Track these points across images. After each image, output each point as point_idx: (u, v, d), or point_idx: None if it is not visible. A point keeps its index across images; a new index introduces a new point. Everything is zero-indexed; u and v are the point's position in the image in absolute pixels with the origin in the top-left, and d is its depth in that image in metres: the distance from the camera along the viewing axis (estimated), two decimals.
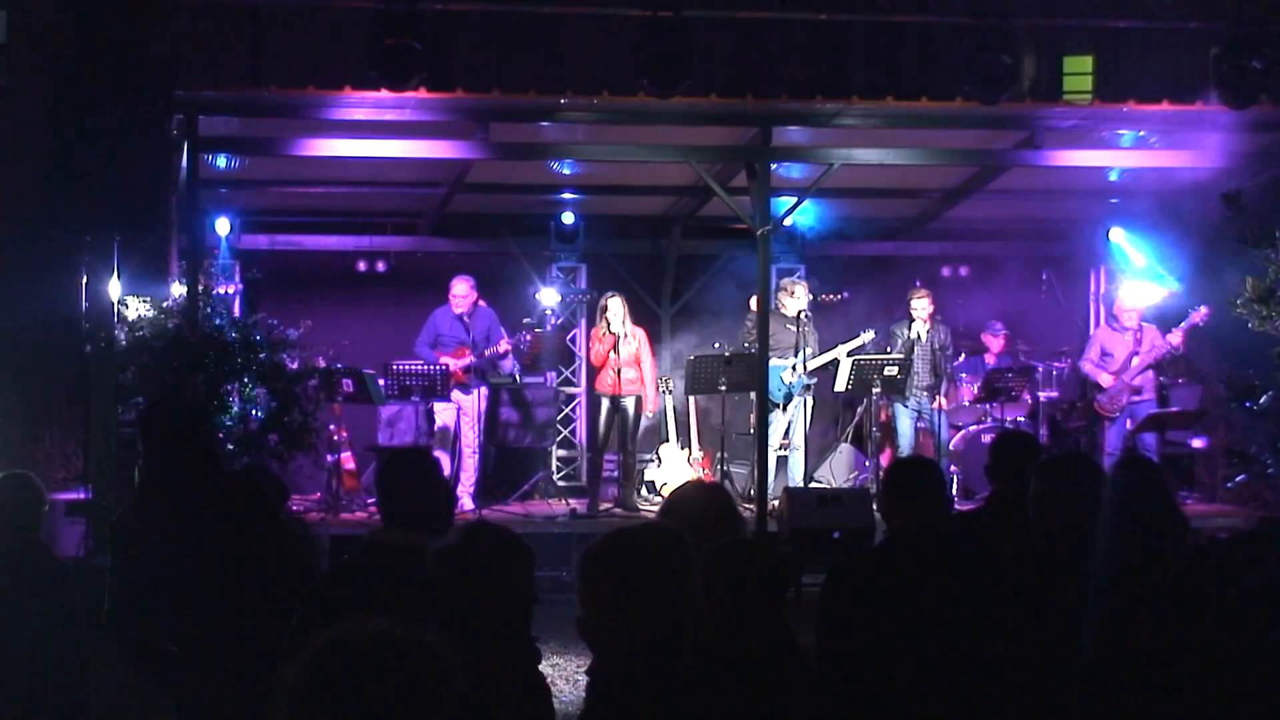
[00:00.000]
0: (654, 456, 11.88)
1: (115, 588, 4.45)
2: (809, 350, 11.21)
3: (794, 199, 10.88)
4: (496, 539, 3.33)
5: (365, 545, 3.98)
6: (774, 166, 10.56)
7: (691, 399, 11.53)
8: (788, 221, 11.45)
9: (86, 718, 5.38)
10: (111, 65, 8.00)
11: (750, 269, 11.11)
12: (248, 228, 12.38)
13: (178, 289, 9.34)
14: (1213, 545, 4.59)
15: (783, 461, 11.40)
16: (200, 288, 9.56)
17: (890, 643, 4.03)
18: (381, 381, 10.89)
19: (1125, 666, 3.81)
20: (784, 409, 11.20)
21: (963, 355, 12.42)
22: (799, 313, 11.19)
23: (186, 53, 9.83)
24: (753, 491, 10.58)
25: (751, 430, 10.91)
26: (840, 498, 10.09)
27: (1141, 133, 10.71)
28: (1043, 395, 11.81)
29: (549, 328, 12.77)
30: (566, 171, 11.85)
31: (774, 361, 10.73)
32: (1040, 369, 11.93)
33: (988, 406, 11.76)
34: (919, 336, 11.39)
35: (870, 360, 11.13)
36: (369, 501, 10.43)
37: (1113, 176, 11.71)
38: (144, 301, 8.89)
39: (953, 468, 11.22)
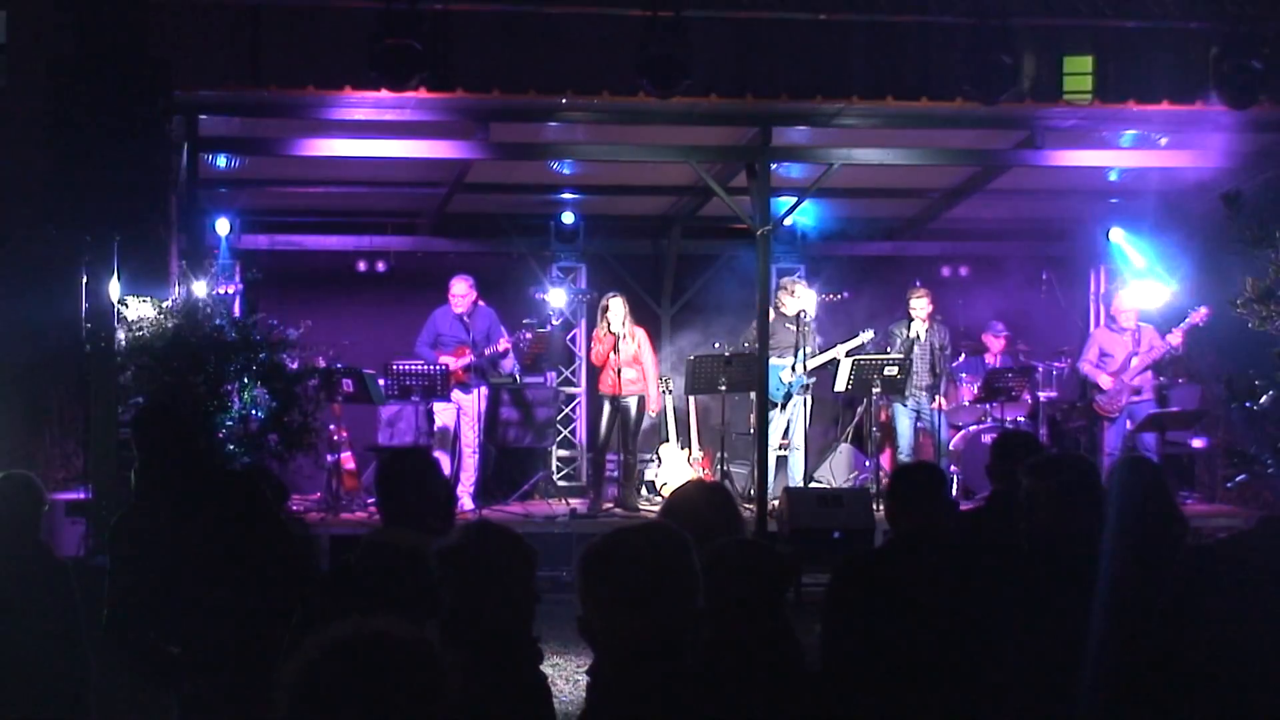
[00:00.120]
0: (654, 456, 11.89)
1: (115, 591, 4.45)
2: (808, 350, 11.22)
3: (794, 199, 10.89)
4: (500, 539, 3.33)
5: (365, 545, 3.98)
6: (774, 166, 10.57)
7: (691, 399, 11.53)
8: (788, 221, 11.46)
9: (87, 718, 5.38)
10: (111, 65, 7.97)
11: (750, 269, 11.11)
12: (247, 228, 12.37)
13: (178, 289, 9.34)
14: (1213, 545, 4.60)
15: (783, 461, 11.41)
16: (200, 288, 9.56)
17: (893, 642, 4.04)
18: (381, 381, 10.90)
19: (1126, 666, 3.81)
20: (782, 408, 11.20)
21: (963, 355, 12.43)
22: (799, 312, 11.21)
23: (186, 53, 9.80)
24: (753, 491, 10.59)
25: (751, 430, 10.92)
26: (840, 498, 10.11)
27: (1151, 134, 10.70)
28: (1043, 395, 11.81)
29: (551, 327, 12.76)
30: (566, 171, 11.86)
31: (773, 361, 10.74)
32: (1040, 369, 11.93)
33: (988, 406, 11.77)
34: (918, 336, 11.39)
35: (870, 360, 11.14)
36: (369, 501, 10.43)
37: (1112, 176, 11.72)
38: (144, 301, 8.87)
39: (953, 468, 11.23)
